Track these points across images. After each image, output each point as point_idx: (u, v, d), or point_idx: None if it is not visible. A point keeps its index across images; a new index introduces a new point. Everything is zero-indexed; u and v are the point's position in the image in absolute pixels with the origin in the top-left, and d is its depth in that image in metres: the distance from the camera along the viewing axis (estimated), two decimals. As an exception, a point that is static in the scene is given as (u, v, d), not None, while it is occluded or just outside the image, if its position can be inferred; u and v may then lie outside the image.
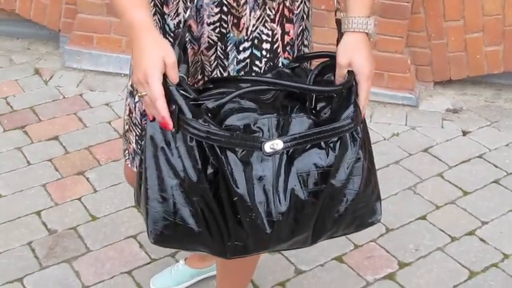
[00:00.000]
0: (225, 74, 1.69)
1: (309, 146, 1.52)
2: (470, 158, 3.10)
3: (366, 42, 1.58)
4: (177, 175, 1.49)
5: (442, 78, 3.57)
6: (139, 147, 1.86)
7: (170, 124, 1.43)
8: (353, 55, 1.56)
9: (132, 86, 1.81)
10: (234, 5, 1.62)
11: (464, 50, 3.50)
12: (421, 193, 2.87)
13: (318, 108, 1.58)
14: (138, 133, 1.85)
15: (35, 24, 3.79)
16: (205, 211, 1.50)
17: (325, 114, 1.58)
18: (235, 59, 1.69)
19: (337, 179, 1.54)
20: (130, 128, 1.87)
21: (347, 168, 1.55)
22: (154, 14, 1.67)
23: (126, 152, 1.94)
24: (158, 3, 1.66)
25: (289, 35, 1.70)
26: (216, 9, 1.62)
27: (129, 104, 1.84)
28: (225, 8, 1.62)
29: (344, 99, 1.56)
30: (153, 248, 2.36)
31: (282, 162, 1.50)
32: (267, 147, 1.47)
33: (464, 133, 3.27)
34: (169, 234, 1.53)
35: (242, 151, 1.49)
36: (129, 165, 1.92)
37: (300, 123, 1.54)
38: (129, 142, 1.90)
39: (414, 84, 3.46)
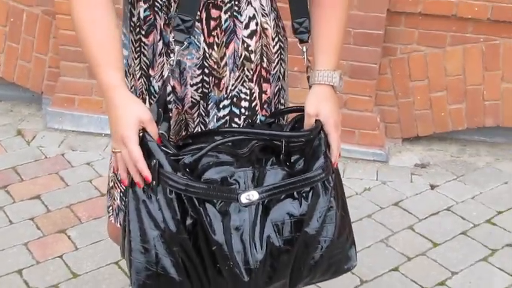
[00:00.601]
0: (203, 127, 1.70)
1: (283, 196, 1.53)
2: (438, 210, 3.09)
3: (332, 94, 1.62)
4: (158, 226, 1.49)
5: (410, 134, 3.59)
6: (123, 203, 1.87)
7: (149, 177, 1.44)
8: (319, 105, 1.60)
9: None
10: (215, 67, 1.65)
11: (430, 108, 3.52)
12: (393, 245, 2.86)
13: (292, 160, 1.62)
14: (122, 189, 1.84)
15: (18, 87, 3.79)
16: (186, 261, 1.51)
17: (299, 165, 1.60)
18: (215, 116, 1.72)
19: (310, 227, 1.54)
20: (115, 184, 1.87)
21: (320, 216, 1.56)
22: (140, 77, 1.70)
23: (110, 208, 1.93)
24: (144, 66, 1.69)
25: (266, 94, 1.73)
26: (198, 71, 1.66)
27: (112, 163, 1.81)
28: (206, 70, 1.65)
29: (315, 151, 1.58)
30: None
31: (258, 212, 1.51)
32: (243, 198, 1.48)
33: (432, 187, 3.28)
34: (152, 284, 1.53)
35: (220, 202, 1.49)
36: (113, 221, 1.91)
37: (274, 175, 1.56)
38: (114, 199, 1.90)
39: (384, 141, 3.48)
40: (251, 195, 1.50)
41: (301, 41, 1.70)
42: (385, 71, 3.48)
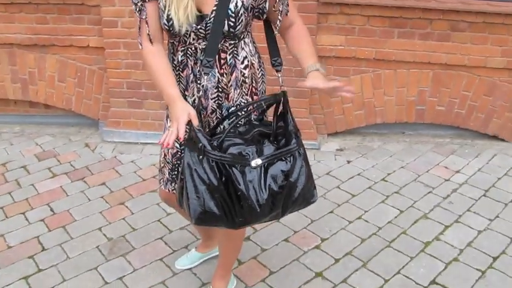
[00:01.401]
0: (222, 126, 1.73)
1: (275, 160, 1.61)
2: (353, 175, 3.12)
3: (319, 73, 1.64)
4: (205, 183, 1.56)
5: (332, 131, 3.58)
6: (172, 175, 1.87)
7: (182, 138, 1.50)
8: (314, 81, 1.61)
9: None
10: (225, 87, 1.70)
11: (343, 114, 3.54)
12: (329, 198, 2.85)
13: (278, 140, 1.67)
14: (169, 168, 1.87)
15: (84, 116, 3.74)
16: (222, 202, 1.57)
17: (282, 143, 1.66)
18: (227, 117, 1.75)
19: (293, 177, 1.63)
20: (165, 165, 1.89)
21: (297, 171, 1.63)
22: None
23: (161, 180, 1.94)
24: (182, 90, 1.73)
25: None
26: (215, 90, 1.71)
27: (163, 151, 1.88)
28: (220, 89, 1.71)
29: (290, 134, 1.65)
30: (175, 242, 2.46)
31: (261, 171, 1.59)
32: (253, 163, 1.58)
33: (348, 162, 3.29)
34: (203, 217, 1.59)
35: (240, 166, 1.56)
36: (163, 187, 1.93)
37: (268, 149, 1.63)
38: (163, 174, 1.91)
39: (316, 136, 3.48)
40: (257, 161, 1.58)
41: (277, 71, 1.76)
42: (314, 92, 3.45)
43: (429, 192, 2.95)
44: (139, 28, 1.66)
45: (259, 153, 1.61)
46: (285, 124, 1.68)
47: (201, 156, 1.56)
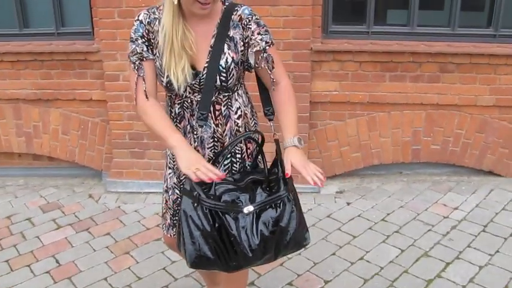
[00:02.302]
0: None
1: (267, 207, 1.64)
2: (353, 217, 3.15)
3: (296, 150, 1.69)
4: (199, 228, 1.61)
5: (331, 174, 3.62)
6: (173, 221, 1.91)
7: (221, 175, 1.55)
8: (290, 159, 1.67)
9: (166, 187, 1.90)
10: (220, 137, 1.76)
11: (340, 157, 3.60)
12: (330, 240, 2.88)
13: (271, 187, 1.70)
14: (171, 213, 1.92)
15: (87, 167, 3.80)
16: (216, 247, 1.61)
17: (274, 190, 1.69)
18: (223, 165, 1.79)
19: (283, 222, 1.66)
20: (167, 211, 1.93)
21: (287, 216, 1.67)
22: None
23: (164, 225, 1.97)
24: None
25: (249, 150, 1.83)
26: (211, 140, 1.77)
27: (165, 198, 1.92)
28: (216, 139, 1.77)
29: (280, 183, 1.69)
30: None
31: (253, 217, 1.63)
32: (245, 210, 1.61)
33: (348, 203, 3.33)
34: (198, 261, 1.64)
35: (233, 213, 1.60)
36: (165, 233, 1.97)
37: (260, 196, 1.66)
38: (166, 219, 1.95)
39: None
40: (249, 208, 1.62)
41: (269, 120, 1.82)
42: (312, 137, 3.54)
43: (429, 230, 2.98)
44: (136, 84, 1.73)
45: (252, 200, 1.64)
46: (278, 171, 1.73)
47: (195, 204, 1.61)
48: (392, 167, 3.73)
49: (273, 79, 1.76)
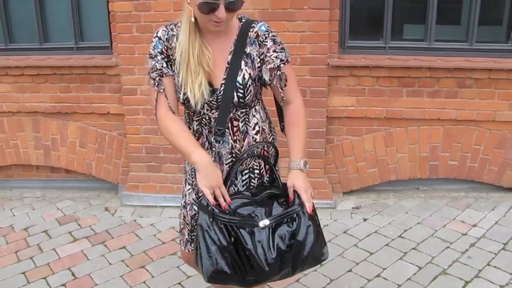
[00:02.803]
0: (236, 189, 1.79)
1: (284, 221, 1.66)
2: (370, 233, 3.14)
3: (300, 173, 1.71)
4: (215, 243, 1.62)
5: (347, 189, 3.62)
6: (190, 237, 1.92)
7: (230, 201, 1.65)
8: (293, 181, 1.71)
9: (185, 202, 1.90)
10: (238, 153, 1.77)
11: (357, 172, 3.58)
12: (346, 256, 2.87)
13: (287, 202, 1.72)
14: (189, 229, 1.93)
15: (103, 180, 3.83)
16: (233, 262, 1.62)
17: (291, 205, 1.70)
18: (241, 180, 1.80)
19: (299, 236, 1.66)
20: (185, 226, 1.95)
21: (304, 230, 1.67)
22: None
23: (181, 241, 1.98)
24: None
25: (268, 165, 1.83)
26: (229, 156, 1.78)
27: (183, 213, 1.92)
28: (234, 155, 1.77)
29: (296, 198, 1.70)
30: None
31: (269, 231, 1.64)
32: (261, 224, 1.63)
33: (364, 219, 3.32)
34: (215, 276, 1.64)
35: (248, 227, 1.62)
36: (183, 248, 1.97)
37: (276, 210, 1.67)
38: (183, 235, 1.96)
39: (331, 195, 3.51)
40: (265, 222, 1.63)
41: (286, 135, 1.81)
42: (328, 152, 3.54)
43: (447, 247, 2.95)
44: (156, 100, 1.75)
45: (268, 214, 1.66)
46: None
47: (211, 219, 1.63)
48: (409, 183, 3.71)
49: (282, 97, 1.76)
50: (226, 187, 1.72)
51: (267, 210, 1.67)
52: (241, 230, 1.62)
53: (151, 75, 1.75)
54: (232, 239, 1.62)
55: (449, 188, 3.69)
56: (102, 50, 3.65)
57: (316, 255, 1.72)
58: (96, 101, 3.65)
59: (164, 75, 1.74)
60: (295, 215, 1.67)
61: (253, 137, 1.78)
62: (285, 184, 1.77)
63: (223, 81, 1.69)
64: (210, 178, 1.64)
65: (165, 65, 1.74)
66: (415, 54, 3.44)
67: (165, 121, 1.74)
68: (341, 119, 3.50)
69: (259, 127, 1.79)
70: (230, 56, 1.70)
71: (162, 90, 1.74)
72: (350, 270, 2.77)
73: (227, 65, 1.70)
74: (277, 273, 1.66)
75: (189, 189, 1.90)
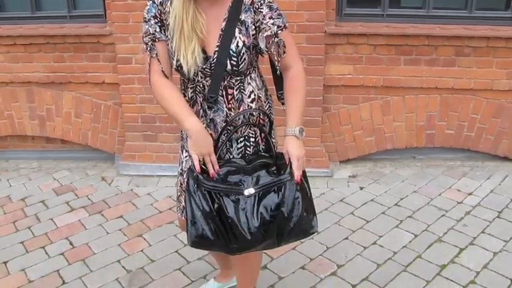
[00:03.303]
0: (231, 157, 1.78)
1: (270, 190, 1.65)
2: (366, 201, 3.15)
3: (295, 140, 1.70)
4: (199, 209, 1.64)
5: (344, 158, 3.63)
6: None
7: (213, 172, 1.66)
8: (288, 148, 1.70)
9: (181, 169, 1.89)
10: (233, 121, 1.75)
11: (354, 141, 3.59)
12: (343, 224, 2.88)
13: (278, 171, 1.71)
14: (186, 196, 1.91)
15: (99, 150, 3.82)
16: (216, 228, 1.63)
17: (277, 174, 1.70)
18: (236, 147, 1.80)
19: (285, 208, 1.64)
20: (181, 193, 1.93)
21: (291, 201, 1.65)
22: None
23: (178, 208, 1.97)
24: None
25: (263, 133, 1.82)
26: (224, 124, 1.75)
27: (179, 181, 1.90)
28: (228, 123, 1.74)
29: (286, 169, 1.69)
30: (193, 272, 2.49)
31: (255, 200, 1.64)
32: (246, 192, 1.63)
33: (361, 188, 3.33)
34: (198, 241, 1.66)
35: (233, 195, 1.63)
36: (180, 215, 1.97)
37: (264, 179, 1.68)
38: (180, 202, 1.95)
39: (328, 163, 3.52)
40: (250, 191, 1.64)
41: (282, 104, 1.81)
42: (325, 121, 3.53)
43: (442, 215, 2.96)
44: (149, 65, 1.74)
45: (255, 183, 1.67)
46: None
47: (195, 185, 1.64)
48: (405, 152, 3.71)
49: (278, 66, 1.73)
50: (216, 154, 1.71)
51: (255, 178, 1.67)
52: (224, 197, 1.63)
53: (145, 39, 1.73)
54: (216, 206, 1.63)
55: (445, 157, 3.70)
56: (95, 19, 3.59)
57: (303, 227, 1.70)
58: (90, 71, 3.60)
59: (157, 40, 1.71)
60: (282, 186, 1.65)
61: (248, 105, 1.76)
62: (281, 153, 1.76)
63: (217, 49, 1.66)
64: (200, 145, 1.65)
65: (158, 30, 1.71)
66: (413, 22, 3.40)
67: (158, 86, 1.73)
68: (338, 87, 3.48)
69: (254, 95, 1.77)
70: (224, 23, 1.67)
71: (154, 55, 1.72)
72: (346, 238, 2.79)
73: (221, 32, 1.67)
74: (259, 242, 1.66)
75: (186, 156, 1.88)
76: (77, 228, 2.99)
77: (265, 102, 1.84)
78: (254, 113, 1.78)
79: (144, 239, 2.86)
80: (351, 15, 3.43)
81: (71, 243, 2.84)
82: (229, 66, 1.67)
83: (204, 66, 1.68)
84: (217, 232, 1.63)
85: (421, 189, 3.30)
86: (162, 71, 1.73)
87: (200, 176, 1.64)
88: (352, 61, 3.42)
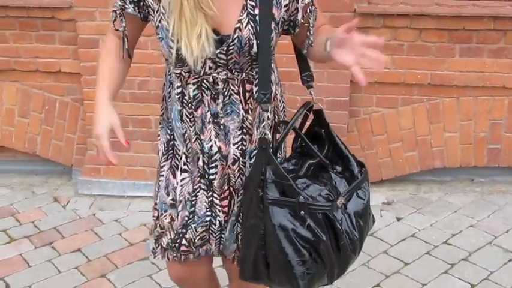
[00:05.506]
0: (244, 178, 1.81)
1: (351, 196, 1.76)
2: (405, 237, 3.17)
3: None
4: (309, 241, 1.66)
5: (376, 179, 3.62)
6: (171, 247, 1.90)
7: (114, 161, 1.74)
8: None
9: (174, 199, 1.88)
10: (250, 127, 1.77)
11: (390, 156, 3.61)
12: (373, 267, 2.91)
13: (338, 170, 1.81)
14: (171, 237, 1.90)
15: (51, 162, 3.82)
16: (326, 257, 1.70)
17: (347, 174, 1.80)
18: (249, 164, 1.81)
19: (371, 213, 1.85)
20: (166, 232, 1.90)
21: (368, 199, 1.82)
22: (195, 140, 1.80)
23: (159, 248, 1.94)
24: (198, 132, 1.78)
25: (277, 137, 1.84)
26: (239, 132, 1.77)
27: (170, 214, 1.88)
28: (244, 130, 1.77)
29: (348, 160, 1.82)
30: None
31: (343, 210, 1.73)
32: (338, 203, 1.70)
33: (398, 219, 3.34)
34: (312, 279, 1.71)
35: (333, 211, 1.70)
36: (160, 257, 1.95)
37: (340, 184, 1.77)
38: (160, 243, 1.93)
39: None
40: (341, 200, 1.71)
41: (308, 87, 1.86)
42: (352, 129, 3.55)
43: (510, 260, 2.98)
44: (108, 38, 1.84)
45: (335, 190, 1.75)
46: (333, 147, 1.82)
47: (303, 212, 1.65)
48: (460, 173, 3.73)
49: (311, 41, 1.77)
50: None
51: (329, 187, 1.75)
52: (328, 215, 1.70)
53: (115, 4, 1.76)
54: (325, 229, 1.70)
55: (514, 180, 3.71)
56: (50, -14, 3.63)
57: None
58: (42, 55, 3.64)
59: (126, 8, 1.75)
60: (364, 184, 1.80)
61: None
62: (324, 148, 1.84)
63: (238, 25, 1.65)
64: (96, 126, 1.73)
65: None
66: (473, -1, 3.44)
67: (102, 53, 1.85)
68: (370, 85, 3.48)
69: (273, 92, 1.80)
70: None
71: (121, 29, 1.77)
72: (378, 285, 2.80)
73: (244, 2, 1.67)
74: (356, 253, 1.79)
75: (184, 179, 1.88)
76: (17, 265, 3.00)
77: (280, 101, 1.89)
78: (269, 116, 1.79)
79: (109, 280, 2.86)
80: (391, -12, 3.46)
81: (7, 287, 2.83)
82: (255, 48, 1.67)
83: (218, 51, 1.67)
84: (326, 261, 1.70)
85: (481, 222, 3.31)
86: (128, 49, 1.80)
87: (311, 199, 1.67)
88: (389, 50, 3.44)
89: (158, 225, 1.94)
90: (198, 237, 1.87)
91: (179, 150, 1.87)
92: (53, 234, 3.26)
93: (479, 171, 3.73)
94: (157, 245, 1.97)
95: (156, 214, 1.95)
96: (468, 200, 3.57)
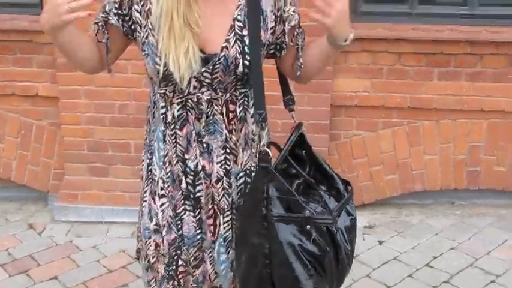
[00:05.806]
0: (230, 199, 1.82)
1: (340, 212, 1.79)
2: (387, 260, 3.21)
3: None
4: (314, 255, 1.70)
5: (357, 203, 3.48)
6: (169, 272, 1.89)
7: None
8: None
9: (157, 224, 1.88)
10: (234, 147, 1.79)
11: (370, 179, 3.67)
12: None
13: (324, 188, 1.84)
14: (166, 261, 1.89)
15: (26, 187, 3.83)
16: (328, 270, 1.74)
17: (333, 192, 1.83)
18: (236, 186, 1.83)
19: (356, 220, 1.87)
20: (158, 259, 1.90)
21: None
22: (177, 163, 1.79)
23: (153, 280, 1.93)
24: (180, 153, 1.79)
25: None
26: (222, 152, 1.79)
27: (155, 240, 1.88)
28: (228, 150, 1.79)
29: (331, 178, 1.86)
30: None
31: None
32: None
33: (380, 242, 3.39)
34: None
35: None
36: None
37: (329, 201, 1.79)
38: (157, 271, 1.91)
39: None
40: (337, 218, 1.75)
41: (290, 110, 1.89)
42: (332, 152, 3.61)
43: (491, 281, 3.03)
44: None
45: (327, 207, 1.78)
46: (316, 167, 1.87)
47: (308, 226, 1.70)
48: (441, 195, 3.80)
49: (298, 65, 1.83)
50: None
51: (322, 202, 1.79)
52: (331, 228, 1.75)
53: (97, 17, 1.77)
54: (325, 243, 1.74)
55: (495, 203, 3.78)
56: (28, 9, 3.66)
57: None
58: (18, 79, 3.67)
59: (109, 19, 1.75)
60: (347, 205, 1.83)
61: (250, 127, 1.84)
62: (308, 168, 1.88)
63: (225, 44, 1.69)
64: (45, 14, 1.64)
65: (114, 11, 1.75)
66: (451, 23, 3.53)
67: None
68: (350, 108, 3.56)
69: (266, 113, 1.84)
70: (238, 11, 1.72)
71: (104, 40, 1.78)
72: (360, 309, 2.84)
73: (232, 23, 1.72)
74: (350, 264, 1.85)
75: (163, 204, 1.90)
76: (-8, 294, 3.00)
77: (264, 123, 1.91)
78: (255, 139, 1.84)
79: (87, 309, 2.88)
80: (369, 14, 3.57)
81: (-20, 318, 2.86)
82: (241, 68, 1.70)
83: (203, 70, 1.70)
84: (329, 274, 1.74)
85: (462, 245, 3.37)
86: (109, 59, 1.81)
87: (314, 213, 1.71)
88: (369, 74, 3.52)
89: (143, 257, 1.96)
90: (192, 258, 1.88)
91: (155, 176, 1.88)
92: (28, 262, 3.26)
93: (460, 194, 3.78)
94: (151, 274, 1.97)
95: (139, 246, 1.97)
96: (449, 222, 3.62)
